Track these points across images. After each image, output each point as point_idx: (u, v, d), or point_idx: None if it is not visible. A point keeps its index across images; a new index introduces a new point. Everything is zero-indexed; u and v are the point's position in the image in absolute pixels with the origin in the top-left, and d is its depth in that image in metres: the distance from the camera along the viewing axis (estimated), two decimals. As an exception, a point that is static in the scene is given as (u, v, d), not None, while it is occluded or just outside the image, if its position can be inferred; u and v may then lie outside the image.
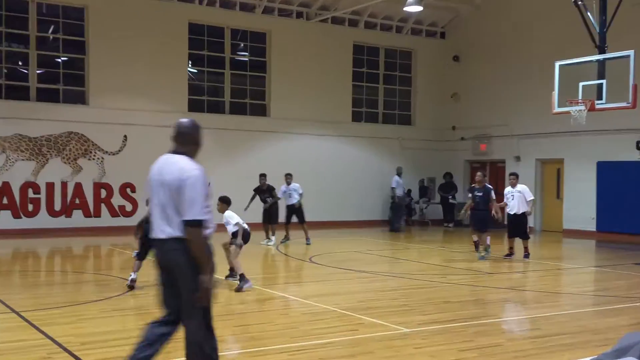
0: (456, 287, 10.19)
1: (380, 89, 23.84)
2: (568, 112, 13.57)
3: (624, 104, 12.69)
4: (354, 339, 6.70)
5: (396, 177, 21.46)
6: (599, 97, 13.00)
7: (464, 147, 23.52)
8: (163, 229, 4.30)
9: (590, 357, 4.10)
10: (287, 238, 16.17)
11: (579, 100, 13.23)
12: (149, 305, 8.28)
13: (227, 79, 20.88)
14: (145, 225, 8.84)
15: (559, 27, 19.78)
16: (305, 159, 21.31)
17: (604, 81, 12.97)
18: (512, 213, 13.46)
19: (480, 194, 13.42)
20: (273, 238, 15.93)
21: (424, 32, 24.23)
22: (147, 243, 9.00)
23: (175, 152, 4.41)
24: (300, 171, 21.09)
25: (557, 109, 13.83)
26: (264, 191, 16.15)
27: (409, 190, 23.42)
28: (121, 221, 18.70)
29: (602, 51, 13.34)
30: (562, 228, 19.88)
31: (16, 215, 17.81)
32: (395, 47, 23.92)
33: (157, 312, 7.97)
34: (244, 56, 21.65)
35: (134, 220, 18.26)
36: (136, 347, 4.45)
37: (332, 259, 14.66)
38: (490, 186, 13.73)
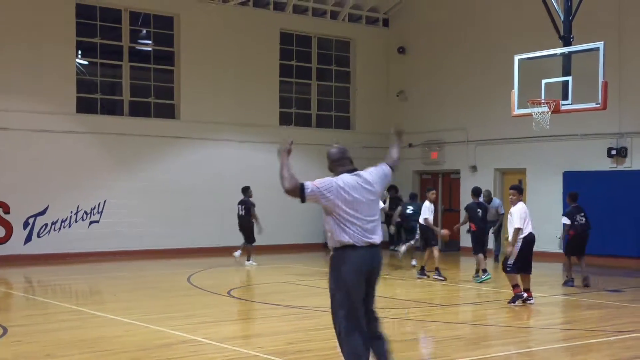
0: (402, 323, 10.23)
1: (313, 86, 23.93)
2: (530, 115, 13.90)
3: (592, 105, 13.09)
4: (279, 390, 6.61)
5: None
6: (565, 97, 13.38)
7: (412, 156, 23.68)
8: (379, 235, 6.35)
9: None
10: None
11: (542, 101, 13.58)
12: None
13: (125, 73, 20.48)
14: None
15: (519, 14, 20.32)
16: (222, 171, 21.10)
17: (569, 78, 13.33)
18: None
19: None
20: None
21: (364, 19, 24.48)
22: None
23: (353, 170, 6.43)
24: (216, 185, 20.87)
25: (517, 111, 14.14)
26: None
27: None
28: (-8, 249, 18.04)
29: (567, 43, 13.74)
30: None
31: None
32: (330, 35, 24.07)
33: None
34: (146, 45, 21.33)
35: (7, 249, 17.79)
36: None
37: (256, 291, 14.51)
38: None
